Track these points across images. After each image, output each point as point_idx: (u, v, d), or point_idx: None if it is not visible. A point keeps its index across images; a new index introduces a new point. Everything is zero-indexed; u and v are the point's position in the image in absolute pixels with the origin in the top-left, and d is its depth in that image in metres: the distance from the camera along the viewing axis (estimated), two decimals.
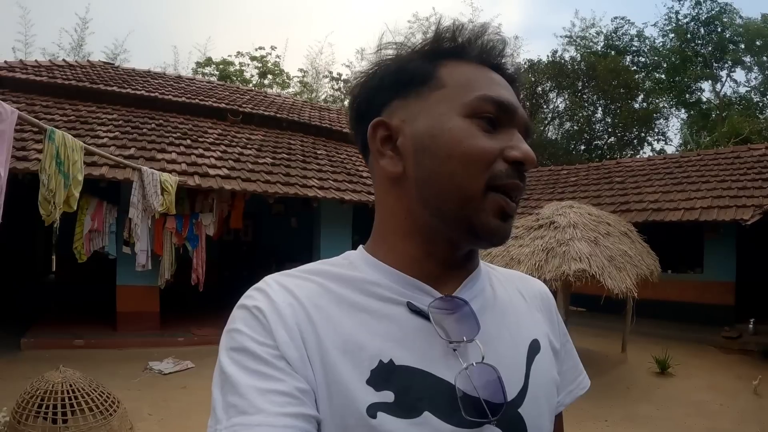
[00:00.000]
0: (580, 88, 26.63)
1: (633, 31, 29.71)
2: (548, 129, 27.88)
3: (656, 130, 27.79)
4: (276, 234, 13.17)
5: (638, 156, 24.28)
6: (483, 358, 0.69)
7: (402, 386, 0.66)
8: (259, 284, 0.73)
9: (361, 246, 0.81)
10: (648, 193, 11.98)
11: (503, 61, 0.80)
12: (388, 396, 0.66)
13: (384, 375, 0.67)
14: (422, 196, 0.73)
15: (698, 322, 10.82)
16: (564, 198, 11.48)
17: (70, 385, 3.77)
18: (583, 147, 27.54)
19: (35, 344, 7.57)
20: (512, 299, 0.84)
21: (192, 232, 8.70)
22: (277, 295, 0.70)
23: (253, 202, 9.92)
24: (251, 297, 0.71)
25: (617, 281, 6.31)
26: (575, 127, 27.48)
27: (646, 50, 29.79)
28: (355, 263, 0.77)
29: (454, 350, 0.70)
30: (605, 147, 27.39)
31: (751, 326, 10.05)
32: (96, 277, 10.50)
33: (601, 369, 7.62)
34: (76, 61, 13.73)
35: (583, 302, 9.94)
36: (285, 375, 0.64)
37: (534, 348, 0.80)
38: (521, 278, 0.94)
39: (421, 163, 0.73)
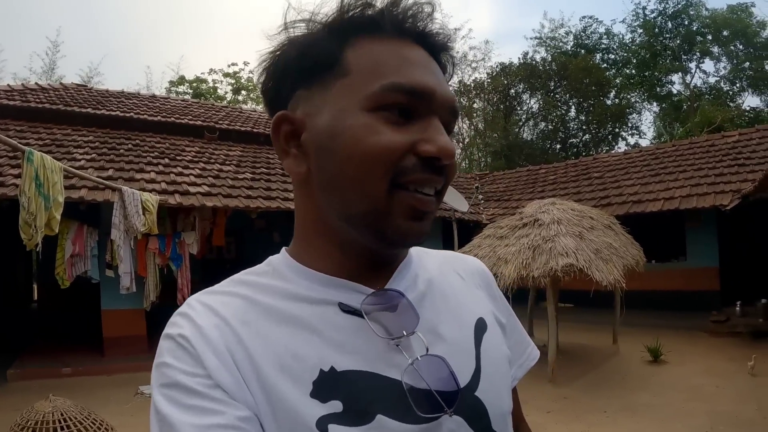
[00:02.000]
0: (552, 88, 27.02)
1: (602, 29, 30.41)
2: (523, 130, 28.19)
3: (630, 125, 28.33)
4: (259, 250, 12.92)
5: (614, 151, 24.61)
6: (427, 350, 0.66)
7: (349, 393, 0.63)
8: (182, 308, 0.68)
9: (283, 249, 0.76)
10: (627, 186, 12.13)
11: (428, 28, 0.70)
12: (336, 406, 0.62)
13: (328, 384, 0.63)
14: (327, 200, 0.69)
15: (686, 309, 10.95)
16: (544, 196, 11.53)
17: (61, 414, 3.67)
18: (558, 146, 27.91)
19: (22, 375, 7.43)
20: (450, 281, 0.81)
21: (175, 251, 8.59)
22: (201, 317, 0.65)
23: (235, 219, 9.85)
24: (175, 324, 0.66)
25: (605, 273, 6.35)
26: (550, 127, 27.85)
27: (615, 47, 30.43)
28: (279, 269, 0.73)
29: (397, 346, 0.66)
30: (581, 144, 27.79)
31: (738, 309, 10.17)
32: (79, 302, 10.32)
33: (595, 361, 7.69)
34: (48, 84, 13.57)
35: (570, 298, 10.02)
36: (223, 405, 0.59)
37: (480, 327, 0.77)
38: (455, 258, 0.90)
39: (322, 166, 0.67)
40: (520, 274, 6.48)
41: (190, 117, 12.97)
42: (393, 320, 0.67)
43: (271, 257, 0.76)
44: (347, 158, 0.64)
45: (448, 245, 9.83)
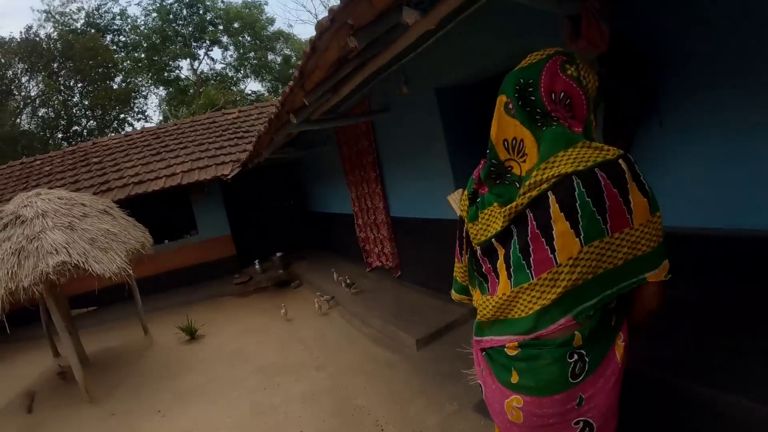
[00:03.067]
0: (56, 69, 24.00)
1: (116, 9, 28.96)
2: (21, 119, 24.25)
3: (136, 110, 27.86)
4: None
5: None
6: None
7: None
8: None
9: None
10: (127, 168, 11.55)
11: None
12: None
13: None
14: None
15: (209, 279, 11.24)
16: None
17: None
18: (61, 135, 25.14)
19: None
20: None
21: None
22: None
23: None
24: None
25: (105, 264, 5.57)
26: (51, 114, 24.79)
27: (127, 29, 29.09)
28: None
29: None
30: (85, 132, 25.69)
31: (257, 267, 11.00)
32: None
33: (133, 361, 6.96)
34: None
35: (89, 301, 8.93)
36: None
37: None
38: None
39: None
40: (9, 288, 5.10)
41: None
42: None
43: None
44: None
45: None
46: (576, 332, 1.53)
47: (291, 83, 4.24)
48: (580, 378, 1.54)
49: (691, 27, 2.73)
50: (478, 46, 4.37)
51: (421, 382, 4.48)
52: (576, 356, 1.53)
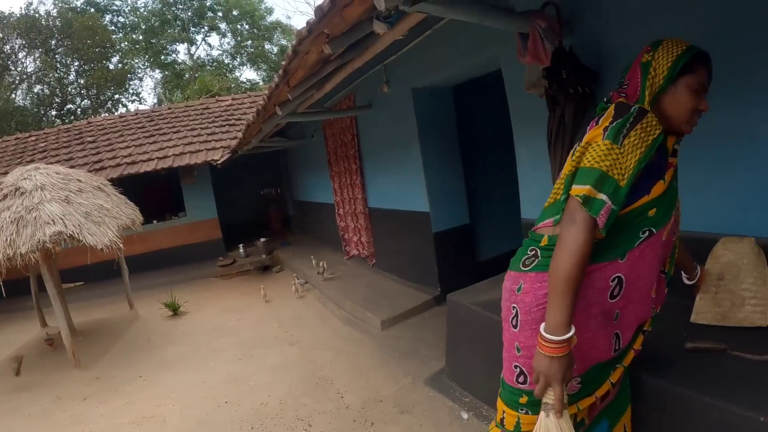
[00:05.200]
0: (53, 46, 23.90)
1: None
2: (16, 94, 24.15)
3: (131, 91, 27.78)
4: None
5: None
6: None
7: None
8: None
9: None
10: (121, 149, 11.86)
11: None
12: None
13: None
14: None
15: (195, 260, 11.60)
16: None
17: None
18: (55, 112, 25.08)
19: None
20: None
21: None
22: None
23: None
24: None
25: (98, 236, 5.94)
26: (46, 91, 24.67)
27: (127, 10, 29.09)
28: None
29: None
30: (79, 111, 25.60)
31: (241, 251, 11.35)
32: None
33: (118, 332, 7.34)
34: None
35: (79, 275, 9.29)
36: None
37: None
38: None
39: None
40: (7, 255, 5.47)
41: None
42: None
43: None
44: None
45: None
46: (546, 235, 1.73)
47: (275, 80, 4.65)
48: (527, 269, 1.73)
49: (631, 45, 2.81)
50: (449, 54, 4.83)
51: (382, 358, 4.92)
52: (534, 252, 1.75)
